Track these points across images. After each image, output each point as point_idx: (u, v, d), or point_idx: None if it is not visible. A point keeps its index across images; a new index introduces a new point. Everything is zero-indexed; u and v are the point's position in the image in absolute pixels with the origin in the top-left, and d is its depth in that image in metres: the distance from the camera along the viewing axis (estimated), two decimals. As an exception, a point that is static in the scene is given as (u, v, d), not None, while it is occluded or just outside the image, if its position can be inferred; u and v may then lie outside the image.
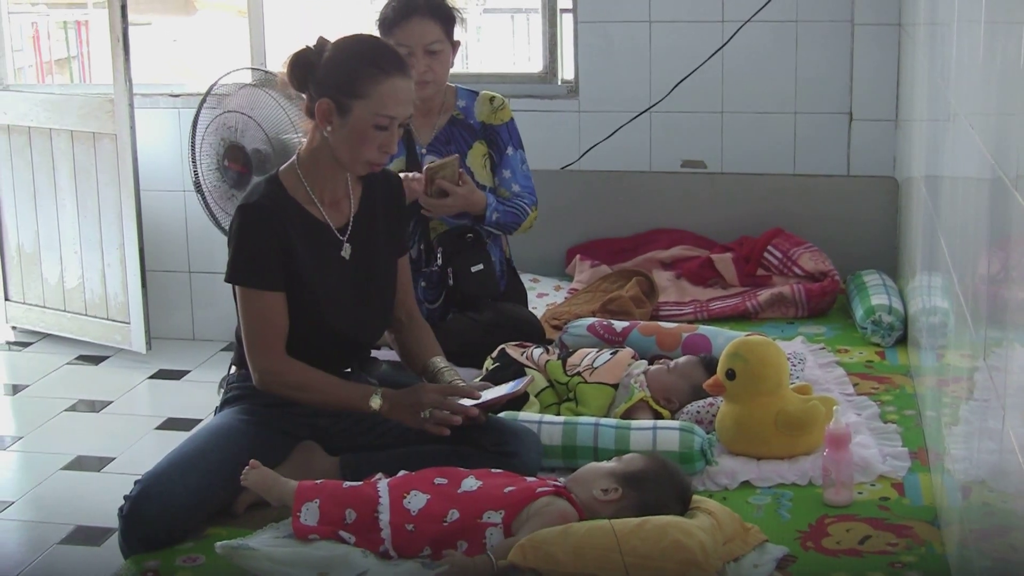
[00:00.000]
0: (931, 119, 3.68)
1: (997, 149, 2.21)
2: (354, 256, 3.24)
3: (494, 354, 3.75)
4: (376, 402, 3.12)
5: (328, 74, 3.11)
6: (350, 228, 3.24)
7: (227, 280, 3.14)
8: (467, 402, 3.17)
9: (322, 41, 3.17)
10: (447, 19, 4.07)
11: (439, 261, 4.10)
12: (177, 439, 3.13)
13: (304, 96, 3.18)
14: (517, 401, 3.45)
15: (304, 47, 3.16)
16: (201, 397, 5.11)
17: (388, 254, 3.34)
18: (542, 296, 4.82)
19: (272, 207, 3.13)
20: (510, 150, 4.21)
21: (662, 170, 5.34)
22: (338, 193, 3.25)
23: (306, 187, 3.19)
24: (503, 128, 4.21)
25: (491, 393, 3.22)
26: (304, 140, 3.25)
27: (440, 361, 3.37)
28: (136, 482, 2.94)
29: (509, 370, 3.63)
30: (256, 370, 3.13)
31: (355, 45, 3.18)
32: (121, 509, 2.92)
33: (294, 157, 3.24)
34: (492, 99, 4.23)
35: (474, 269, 4.09)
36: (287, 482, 2.88)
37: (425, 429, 3.09)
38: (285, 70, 3.16)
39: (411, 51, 3.96)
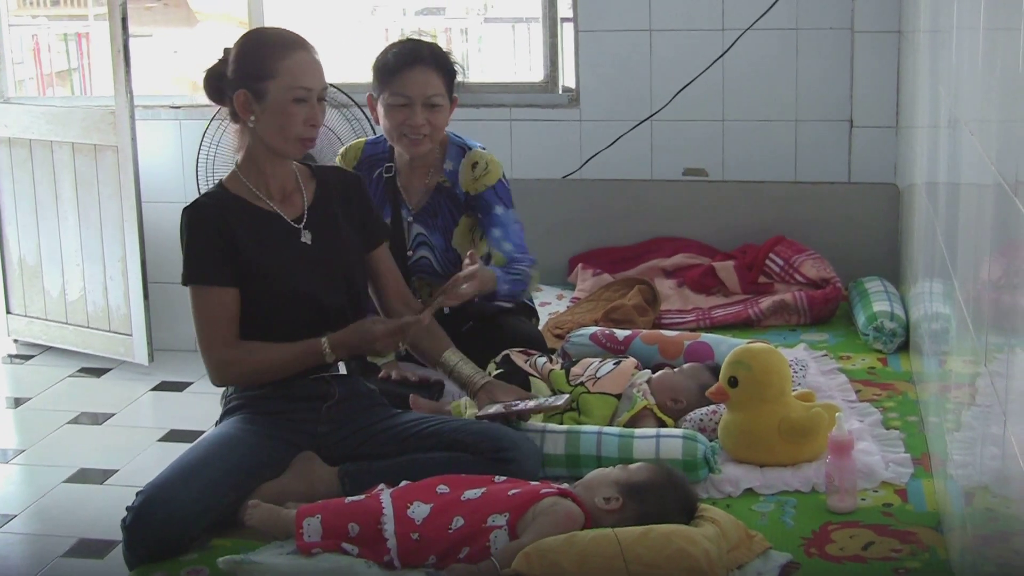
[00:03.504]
0: (932, 126, 3.69)
1: (998, 155, 2.21)
2: (316, 240, 3.30)
3: (498, 359, 3.74)
4: (329, 355, 3.20)
5: (236, 68, 3.21)
6: (306, 217, 3.30)
7: (184, 283, 3.22)
8: (497, 408, 3.26)
9: (228, 51, 3.26)
10: (449, 73, 3.89)
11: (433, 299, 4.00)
12: (180, 451, 3.13)
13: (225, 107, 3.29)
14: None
15: (212, 63, 3.25)
16: (204, 409, 5.11)
17: (354, 246, 3.39)
18: (544, 305, 4.82)
19: (213, 204, 3.23)
20: (499, 209, 3.96)
21: (664, 178, 5.34)
22: (287, 187, 3.31)
23: (249, 185, 3.27)
24: (489, 192, 3.96)
25: (525, 403, 3.26)
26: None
27: (452, 355, 3.45)
28: (138, 493, 2.94)
29: (516, 378, 3.62)
30: (212, 365, 3.19)
31: (253, 35, 3.32)
32: (124, 520, 2.92)
33: (234, 166, 3.32)
34: (475, 165, 3.96)
35: (464, 329, 3.92)
36: (289, 512, 2.89)
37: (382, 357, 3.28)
38: (204, 90, 3.27)
39: (409, 102, 3.80)
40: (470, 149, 4.01)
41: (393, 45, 3.93)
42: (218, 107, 4.94)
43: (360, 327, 3.24)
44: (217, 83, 3.25)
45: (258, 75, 3.18)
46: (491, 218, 3.95)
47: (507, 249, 3.93)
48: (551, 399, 3.36)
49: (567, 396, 3.37)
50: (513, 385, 3.49)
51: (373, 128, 5.23)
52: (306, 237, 3.29)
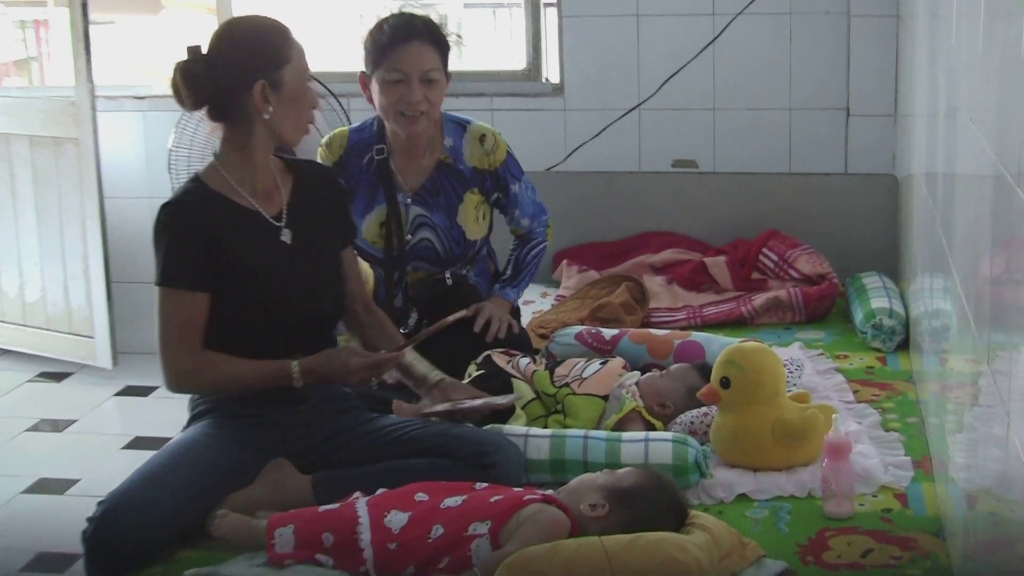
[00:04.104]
0: (931, 114, 3.70)
1: (999, 144, 2.22)
2: (296, 240, 3.28)
3: (479, 359, 3.75)
4: (298, 379, 3.17)
5: (246, 61, 3.15)
6: (285, 215, 3.29)
7: (158, 283, 3.18)
8: (445, 406, 3.25)
9: (194, 48, 3.18)
10: (444, 48, 3.92)
11: (412, 319, 4.02)
12: (145, 458, 3.12)
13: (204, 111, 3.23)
14: (503, 414, 3.47)
15: (179, 62, 3.17)
16: (171, 414, 5.04)
17: (332, 243, 3.39)
18: (528, 304, 4.82)
19: (194, 202, 3.19)
20: (515, 187, 4.11)
21: (652, 170, 5.35)
22: (267, 184, 3.29)
23: (230, 181, 3.24)
24: (501, 169, 4.07)
25: (472, 401, 3.26)
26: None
27: (407, 353, 3.42)
28: (99, 503, 2.93)
29: (498, 379, 3.63)
30: (171, 372, 3.17)
31: (247, 24, 3.27)
32: (85, 532, 2.90)
33: (212, 159, 3.29)
34: (483, 139, 4.05)
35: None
36: (259, 522, 2.89)
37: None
38: (181, 92, 3.17)
39: (406, 78, 3.83)
40: (469, 123, 4.08)
41: (385, 20, 3.93)
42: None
43: (334, 357, 3.23)
44: (194, 83, 3.16)
45: (273, 63, 3.16)
46: (509, 199, 4.12)
47: (525, 225, 4.21)
48: (497, 398, 3.35)
49: (514, 396, 3.36)
50: (467, 384, 3.50)
51: (349, 118, 5.23)
52: (286, 236, 3.27)
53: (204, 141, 5.14)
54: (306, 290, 3.27)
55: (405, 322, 4.03)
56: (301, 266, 3.27)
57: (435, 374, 3.47)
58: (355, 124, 4.17)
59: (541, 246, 4.26)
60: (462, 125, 4.08)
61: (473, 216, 4.06)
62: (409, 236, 4.01)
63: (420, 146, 4.00)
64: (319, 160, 4.05)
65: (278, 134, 3.22)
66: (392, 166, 4.01)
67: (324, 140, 4.09)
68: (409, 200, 4.01)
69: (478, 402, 3.33)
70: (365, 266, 4.09)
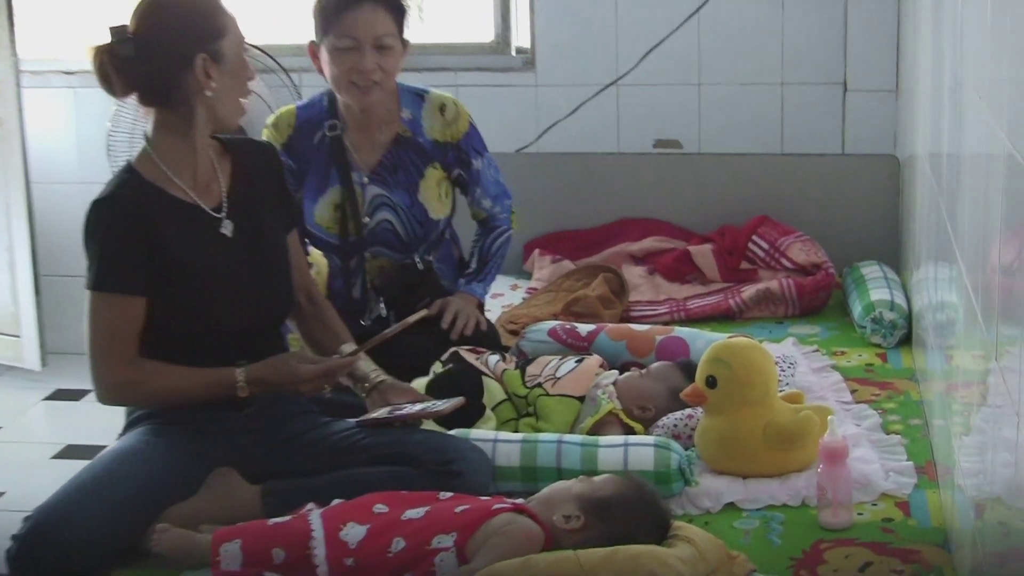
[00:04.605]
0: (936, 89, 3.70)
1: (1010, 122, 2.22)
2: (238, 233, 3.27)
3: (444, 357, 3.74)
4: (243, 388, 3.16)
5: (180, 35, 3.13)
6: (225, 205, 3.27)
7: (91, 288, 3.16)
8: (382, 412, 3.26)
9: (119, 28, 3.14)
10: (400, 11, 3.92)
11: (381, 310, 4.04)
12: (77, 469, 3.11)
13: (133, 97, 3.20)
14: (471, 417, 3.46)
15: (103, 46, 3.13)
16: (104, 420, 5.00)
17: (277, 229, 3.38)
18: (497, 297, 4.82)
19: (130, 197, 3.16)
20: (477, 162, 4.12)
21: (632, 151, 5.35)
22: (206, 171, 3.27)
23: (165, 171, 3.21)
24: (464, 142, 4.09)
25: (411, 407, 3.26)
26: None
27: (349, 350, 3.40)
28: (25, 519, 2.92)
29: (467, 378, 3.62)
30: (104, 384, 3.16)
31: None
32: (9, 551, 2.89)
33: (144, 144, 3.25)
34: (443, 108, 4.07)
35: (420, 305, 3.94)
36: (203, 537, 2.88)
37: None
38: (111, 78, 3.14)
39: (357, 45, 3.83)
40: (427, 93, 4.09)
41: None
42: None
43: (283, 365, 3.21)
44: (123, 65, 3.13)
45: (211, 34, 3.15)
46: (471, 175, 4.12)
47: (487, 207, 4.20)
48: (440, 403, 3.33)
49: (457, 400, 3.34)
50: (409, 386, 3.48)
51: (300, 94, 5.21)
52: (227, 229, 3.26)
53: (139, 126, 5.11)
54: (252, 288, 3.25)
55: (367, 315, 4.03)
56: (245, 261, 3.26)
57: (376, 375, 3.44)
58: (301, 102, 4.17)
59: (506, 235, 4.26)
60: (420, 95, 4.09)
61: (435, 193, 4.07)
62: (367, 219, 4.01)
63: (375, 120, 4.01)
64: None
65: (218, 113, 3.19)
66: (346, 143, 4.01)
67: (270, 120, 4.09)
68: (366, 179, 4.02)
69: (417, 407, 3.31)
70: (317, 255, 4.09)
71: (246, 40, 3.26)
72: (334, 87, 3.95)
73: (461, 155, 4.09)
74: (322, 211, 4.01)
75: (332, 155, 4.00)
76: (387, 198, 4.02)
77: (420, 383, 3.59)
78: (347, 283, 4.04)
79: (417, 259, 4.06)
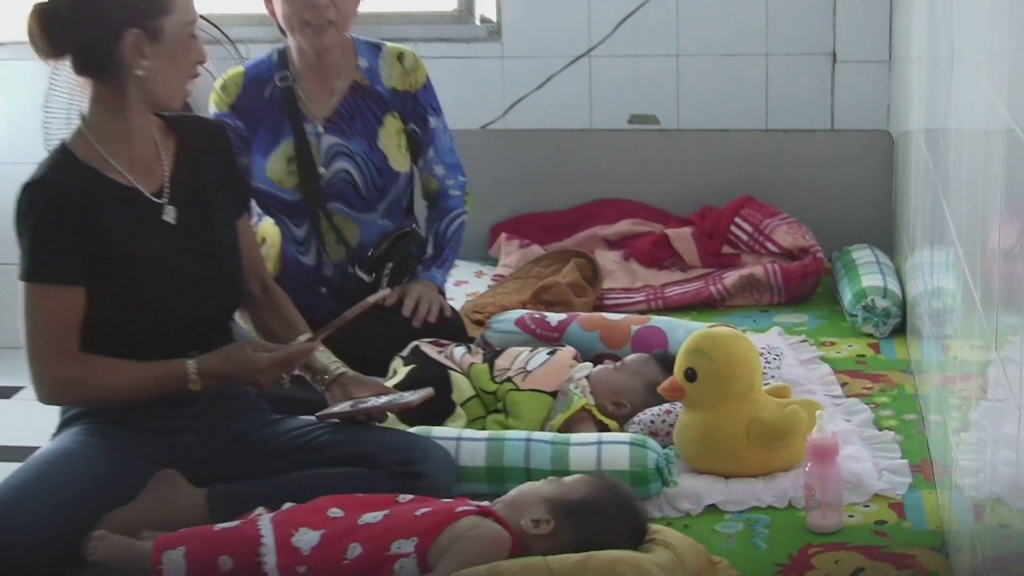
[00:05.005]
0: (931, 60, 3.71)
1: (1011, 96, 2.23)
2: (182, 219, 3.25)
3: (405, 352, 3.74)
4: (196, 382, 3.14)
5: (119, 5, 3.10)
6: (167, 189, 3.25)
7: (24, 279, 3.13)
8: (344, 406, 3.25)
9: None
10: None
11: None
12: (8, 472, 3.09)
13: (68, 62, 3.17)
14: (438, 413, 3.45)
15: (38, 5, 3.12)
16: (38, 420, 5.03)
17: (226, 214, 3.37)
18: (461, 285, 4.82)
19: (65, 181, 3.13)
20: (434, 120, 4.18)
21: (605, 128, 5.35)
22: (146, 153, 3.25)
23: (101, 152, 3.19)
24: (421, 93, 4.16)
25: (376, 399, 3.25)
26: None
27: (305, 337, 3.38)
28: (-49, 528, 2.91)
29: (433, 372, 3.62)
30: (44, 382, 3.13)
31: None
32: (-67, 562, 2.88)
33: (79, 122, 3.23)
34: (401, 56, 4.15)
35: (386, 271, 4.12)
36: (144, 544, 2.86)
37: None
38: (36, 37, 3.12)
39: None
40: (383, 44, 4.16)
41: None
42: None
43: (238, 354, 3.20)
44: (58, 28, 3.11)
45: (153, 10, 3.11)
46: (425, 133, 4.18)
47: (439, 174, 4.24)
48: (407, 395, 3.32)
49: (426, 391, 3.33)
50: (373, 378, 3.47)
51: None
52: (169, 215, 3.24)
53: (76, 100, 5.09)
54: (198, 278, 3.24)
55: (330, 283, 4.08)
56: (190, 250, 3.24)
57: (336, 366, 3.43)
58: (250, 60, 4.23)
59: (460, 219, 4.28)
60: (376, 46, 4.17)
61: (395, 142, 4.12)
62: (323, 169, 4.04)
63: (331, 67, 4.06)
64: (212, 107, 4.08)
65: (154, 94, 3.17)
66: (298, 92, 4.05)
67: (217, 84, 4.12)
68: (321, 129, 4.06)
69: (383, 399, 3.30)
70: (268, 226, 4.10)
71: (195, 20, 3.21)
72: (287, 28, 3.98)
73: (419, 108, 4.15)
74: (274, 164, 4.04)
75: (284, 107, 4.05)
76: (344, 147, 4.06)
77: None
78: (304, 247, 4.09)
79: (414, 225, 4.17)
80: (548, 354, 3.72)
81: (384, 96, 4.11)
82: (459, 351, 3.76)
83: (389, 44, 4.18)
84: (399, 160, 4.12)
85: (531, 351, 3.76)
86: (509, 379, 3.63)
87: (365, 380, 3.42)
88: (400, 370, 3.68)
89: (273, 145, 4.04)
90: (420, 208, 4.34)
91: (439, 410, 3.50)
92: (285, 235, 4.11)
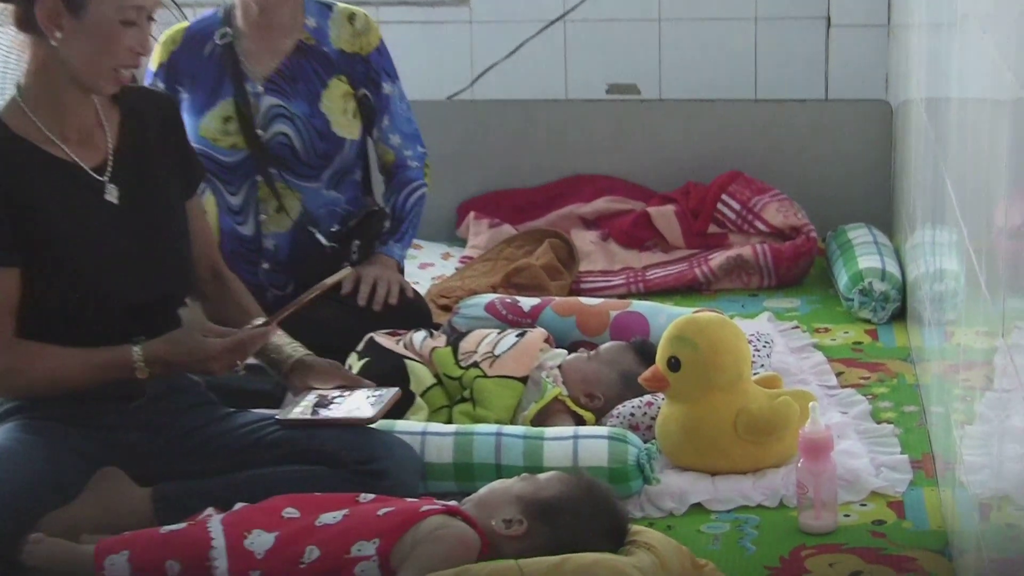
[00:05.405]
0: (933, 24, 3.72)
1: (1019, 62, 2.23)
2: (125, 198, 3.23)
3: (360, 347, 3.73)
4: (142, 369, 3.13)
5: None
6: (111, 166, 3.23)
7: None
8: (307, 406, 3.24)
9: None
10: None
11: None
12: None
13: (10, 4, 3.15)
14: (398, 405, 3.44)
15: None
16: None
17: (174, 193, 3.35)
18: (426, 267, 4.82)
19: None
20: (387, 86, 4.19)
21: (582, 98, 5.35)
22: (87, 125, 3.23)
23: (36, 123, 3.17)
24: (374, 56, 4.17)
25: (331, 411, 3.22)
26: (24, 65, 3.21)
27: (260, 321, 3.36)
28: None
29: (388, 365, 3.61)
30: None
31: None
32: None
33: (14, 90, 3.21)
34: (352, 17, 4.18)
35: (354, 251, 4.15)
36: (85, 548, 2.86)
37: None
38: None
39: None
40: (335, 4, 4.18)
41: None
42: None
43: (187, 339, 3.18)
44: None
45: None
46: (379, 99, 4.20)
47: (396, 144, 4.24)
48: (373, 395, 3.28)
49: (394, 391, 3.31)
50: (334, 363, 3.44)
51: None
52: (111, 194, 3.22)
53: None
54: (141, 260, 3.22)
55: (273, 258, 4.09)
56: (133, 231, 3.22)
57: (293, 348, 3.41)
58: (195, 17, 4.27)
59: (420, 191, 4.27)
60: (328, 6, 4.19)
61: (340, 107, 4.12)
62: (260, 131, 4.06)
63: (276, 24, 4.09)
64: (151, 67, 4.09)
65: (73, 72, 3.13)
66: (238, 51, 4.06)
67: (160, 39, 4.13)
68: (260, 88, 4.08)
69: (345, 402, 3.26)
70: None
71: (142, 8, 3.12)
72: None
73: (371, 72, 4.16)
74: (208, 123, 4.06)
75: (224, 65, 4.07)
76: (284, 108, 4.07)
77: None
78: (241, 215, 4.11)
79: (384, 205, 4.19)
80: (517, 336, 3.72)
81: (331, 57, 4.12)
82: (419, 337, 3.75)
83: (341, 4, 4.20)
84: (344, 125, 4.12)
85: (499, 333, 3.75)
86: (476, 364, 3.62)
87: (325, 365, 3.40)
88: (355, 365, 3.67)
89: (210, 104, 4.06)
90: (379, 186, 4.32)
91: (397, 404, 3.48)
92: (220, 204, 4.12)
